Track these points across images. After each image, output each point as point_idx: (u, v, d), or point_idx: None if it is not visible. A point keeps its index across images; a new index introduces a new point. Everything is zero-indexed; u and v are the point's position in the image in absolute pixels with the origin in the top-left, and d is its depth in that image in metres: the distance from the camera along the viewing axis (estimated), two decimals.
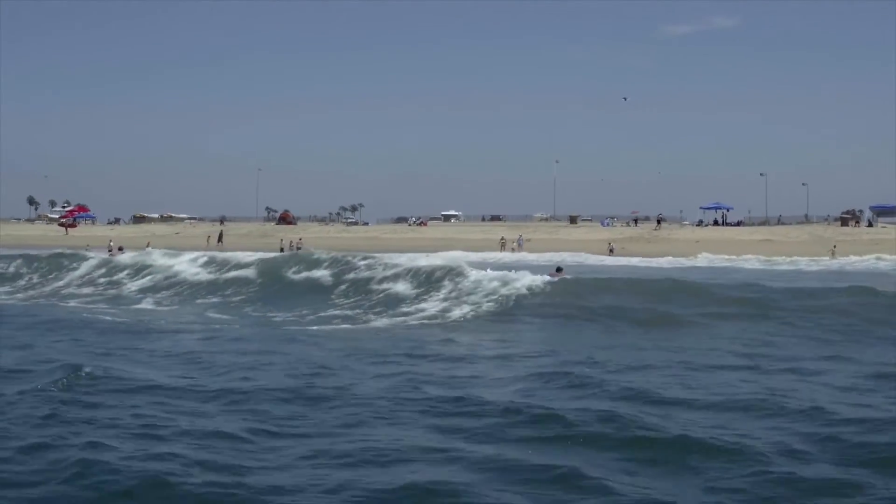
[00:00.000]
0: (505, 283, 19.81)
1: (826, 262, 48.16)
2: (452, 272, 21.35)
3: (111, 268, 28.88)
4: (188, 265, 27.49)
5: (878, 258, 48.87)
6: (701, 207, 70.76)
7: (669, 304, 18.05)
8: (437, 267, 22.22)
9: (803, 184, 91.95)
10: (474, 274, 20.95)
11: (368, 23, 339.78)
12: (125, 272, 27.90)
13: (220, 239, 73.48)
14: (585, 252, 58.71)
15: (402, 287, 21.32)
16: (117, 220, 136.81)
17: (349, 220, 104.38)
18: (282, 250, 63.49)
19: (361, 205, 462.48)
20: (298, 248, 65.45)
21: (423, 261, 23.47)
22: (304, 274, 24.34)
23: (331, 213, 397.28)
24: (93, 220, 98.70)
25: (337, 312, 19.40)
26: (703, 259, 52.25)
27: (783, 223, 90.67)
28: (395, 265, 23.32)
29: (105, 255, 28.14)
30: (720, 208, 69.14)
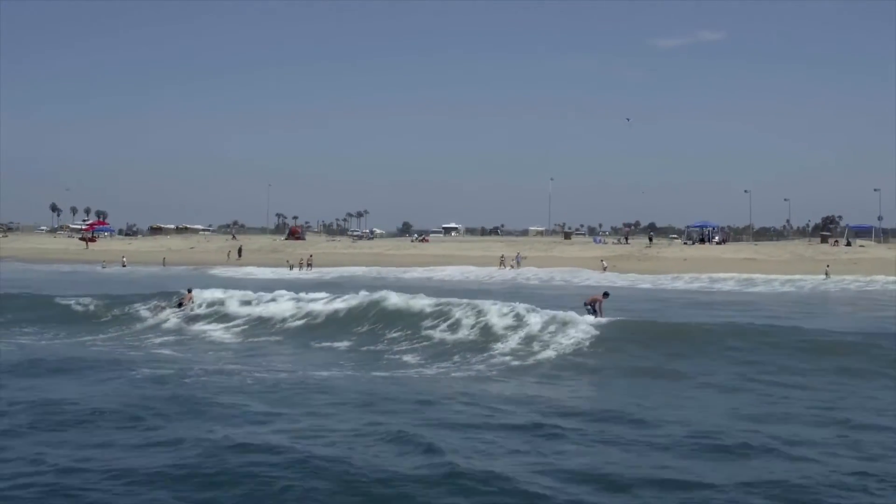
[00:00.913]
0: (564, 324, 19.51)
1: (822, 282, 49.28)
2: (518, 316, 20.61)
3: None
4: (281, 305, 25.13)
5: (871, 280, 49.03)
6: (687, 226, 71.46)
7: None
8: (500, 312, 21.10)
9: (785, 199, 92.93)
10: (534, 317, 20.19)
11: (375, 38, 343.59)
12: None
13: (239, 254, 74.25)
14: (580, 268, 59.34)
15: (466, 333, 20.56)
16: (134, 233, 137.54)
17: (355, 234, 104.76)
18: (291, 268, 64.10)
19: (367, 211, 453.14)
20: (309, 266, 66.08)
21: (488, 306, 22.40)
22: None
23: (337, 220, 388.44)
24: (111, 233, 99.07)
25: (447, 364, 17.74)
26: (688, 279, 52.58)
27: (765, 234, 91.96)
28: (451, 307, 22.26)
29: (153, 310, 25.00)
30: (706, 226, 69.93)
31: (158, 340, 21.00)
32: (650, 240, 67.15)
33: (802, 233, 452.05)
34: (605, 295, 23.30)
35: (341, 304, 24.16)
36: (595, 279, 52.29)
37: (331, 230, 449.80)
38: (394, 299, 23.30)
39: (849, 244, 63.01)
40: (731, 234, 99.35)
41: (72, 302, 26.48)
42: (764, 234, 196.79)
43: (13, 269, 62.99)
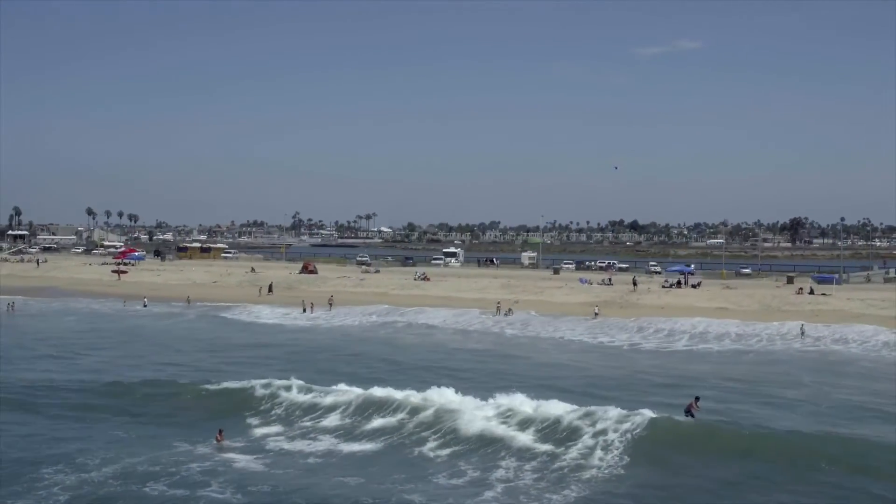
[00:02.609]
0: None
1: (799, 338, 49.89)
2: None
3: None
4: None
5: (842, 339, 48.98)
6: (668, 269, 72.41)
7: None
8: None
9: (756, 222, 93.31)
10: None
11: (384, 51, 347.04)
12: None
13: (270, 290, 75.25)
14: (571, 315, 60.41)
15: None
16: (161, 253, 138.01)
17: (362, 262, 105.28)
18: (304, 310, 64.91)
19: (375, 214, 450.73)
20: (330, 304, 66.79)
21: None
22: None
23: (349, 222, 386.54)
24: (140, 259, 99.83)
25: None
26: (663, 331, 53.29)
27: (741, 250, 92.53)
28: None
29: None
30: (684, 271, 70.92)
31: None
32: (634, 284, 68.00)
33: (772, 230, 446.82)
34: (697, 399, 25.86)
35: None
36: (582, 329, 53.47)
37: (342, 229, 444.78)
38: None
39: (812, 292, 63.74)
40: (702, 266, 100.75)
41: None
42: (740, 250, 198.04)
43: (68, 309, 64.71)
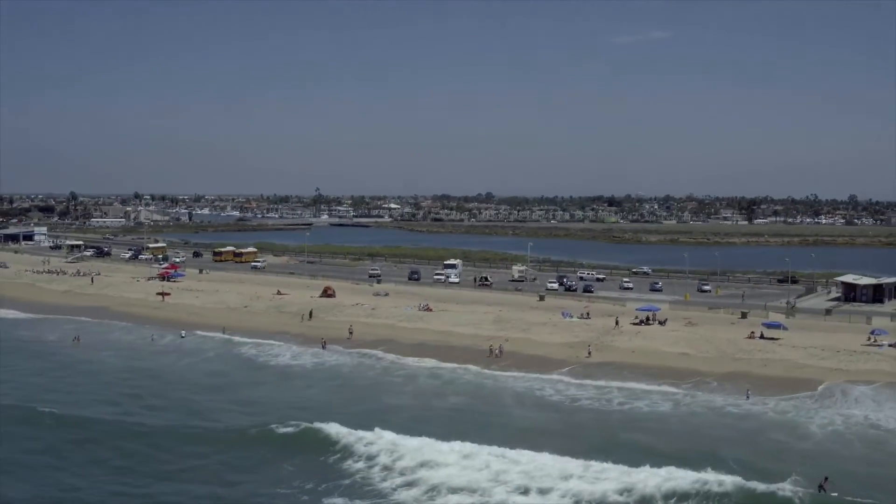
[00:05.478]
0: None
1: (746, 406, 48.47)
2: None
3: None
4: None
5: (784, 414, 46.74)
6: (637, 309, 72.77)
7: None
8: None
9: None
10: None
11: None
12: None
13: (310, 316, 75.71)
14: (556, 356, 60.93)
15: None
16: (199, 254, 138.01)
17: (374, 275, 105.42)
18: (324, 346, 65.49)
19: (385, 196, 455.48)
20: (350, 333, 68.10)
21: None
22: None
23: (363, 197, 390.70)
24: (181, 277, 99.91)
25: None
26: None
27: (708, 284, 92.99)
28: None
29: None
30: (649, 310, 71.34)
31: None
32: (617, 323, 68.67)
33: (731, 205, 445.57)
34: (826, 479, 26.83)
35: None
36: (567, 378, 53.54)
37: (358, 204, 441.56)
38: None
39: (762, 336, 64.05)
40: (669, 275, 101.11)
41: None
42: (703, 237, 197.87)
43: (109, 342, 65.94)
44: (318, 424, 40.47)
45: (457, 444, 37.56)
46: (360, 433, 39.14)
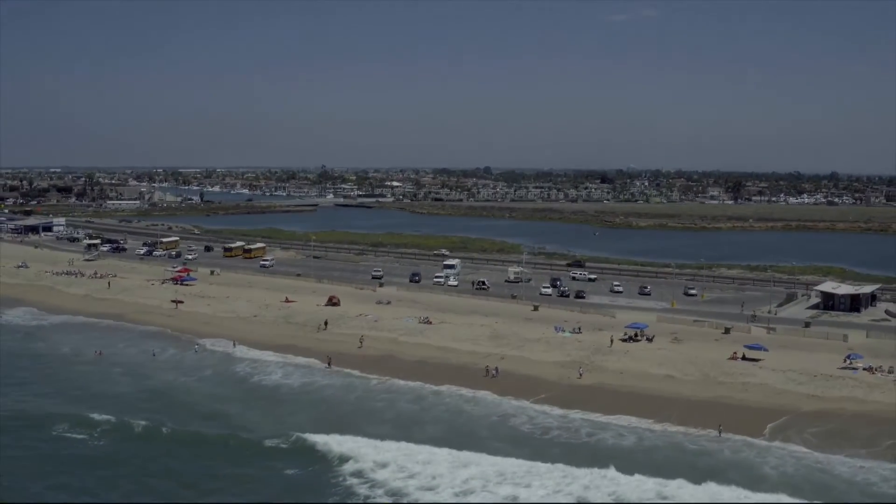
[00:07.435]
0: None
1: (716, 441, 48.50)
2: None
3: None
4: None
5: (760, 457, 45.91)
6: (626, 326, 73.26)
7: None
8: None
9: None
10: None
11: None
12: None
13: (325, 326, 76.44)
14: (548, 377, 61.43)
15: None
16: (210, 248, 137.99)
17: (376, 277, 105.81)
18: (329, 364, 65.88)
19: (388, 173, 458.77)
20: (361, 342, 69.26)
21: None
22: None
23: (366, 172, 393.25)
24: (193, 281, 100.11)
25: None
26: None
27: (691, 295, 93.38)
28: None
29: None
30: (636, 328, 71.96)
31: None
32: (612, 341, 69.40)
33: (718, 183, 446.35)
34: None
35: None
36: (547, 407, 53.90)
37: (362, 181, 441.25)
38: None
39: (744, 358, 64.62)
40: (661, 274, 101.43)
41: None
42: (691, 221, 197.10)
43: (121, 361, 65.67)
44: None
45: None
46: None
